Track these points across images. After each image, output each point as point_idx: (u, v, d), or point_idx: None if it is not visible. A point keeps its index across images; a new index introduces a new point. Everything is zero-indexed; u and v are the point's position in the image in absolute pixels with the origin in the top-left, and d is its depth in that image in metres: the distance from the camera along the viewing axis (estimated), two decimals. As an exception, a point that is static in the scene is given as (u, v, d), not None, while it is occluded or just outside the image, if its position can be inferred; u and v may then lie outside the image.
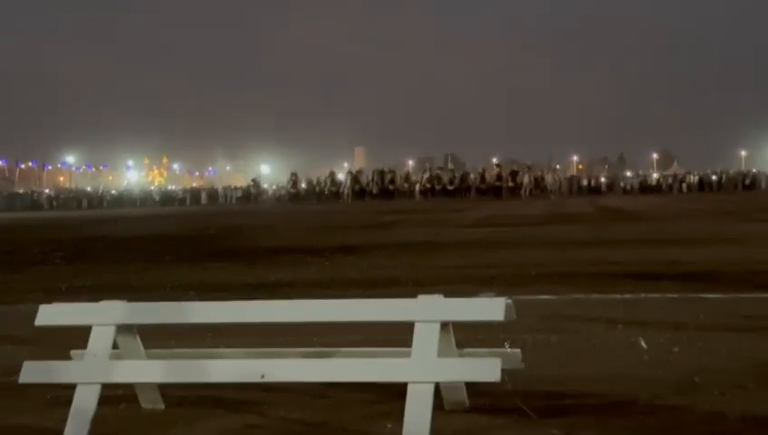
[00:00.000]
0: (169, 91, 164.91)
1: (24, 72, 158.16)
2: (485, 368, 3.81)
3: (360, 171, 74.69)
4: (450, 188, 67.54)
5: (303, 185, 74.00)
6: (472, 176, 70.42)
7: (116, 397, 4.64)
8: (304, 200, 68.24)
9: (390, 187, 69.41)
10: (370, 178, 71.24)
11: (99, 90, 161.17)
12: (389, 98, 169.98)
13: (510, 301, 4.00)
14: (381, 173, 71.86)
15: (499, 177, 66.35)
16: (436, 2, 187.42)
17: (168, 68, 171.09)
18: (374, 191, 68.78)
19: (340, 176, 74.30)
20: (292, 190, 72.34)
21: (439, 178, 69.69)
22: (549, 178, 66.54)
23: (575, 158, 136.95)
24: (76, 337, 4.85)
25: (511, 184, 64.93)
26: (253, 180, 78.75)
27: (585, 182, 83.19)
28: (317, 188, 71.84)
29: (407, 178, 73.42)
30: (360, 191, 68.35)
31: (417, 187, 69.35)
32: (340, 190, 68.66)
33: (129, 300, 6.03)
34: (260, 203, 69.47)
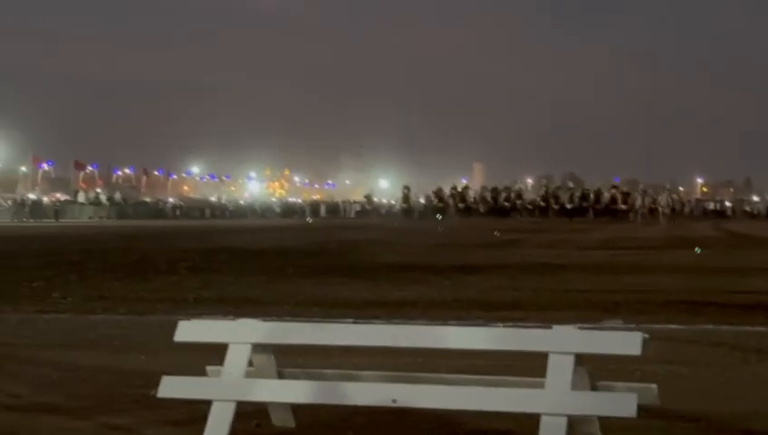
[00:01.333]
0: (293, 103, 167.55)
1: (153, 81, 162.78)
2: (621, 403, 3.75)
3: (466, 188, 72.89)
4: (568, 207, 65.85)
5: (422, 200, 72.15)
6: (591, 196, 68.19)
7: (247, 413, 4.71)
8: (415, 216, 67.07)
9: (506, 204, 68.24)
10: (479, 195, 69.84)
11: (232, 101, 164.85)
12: (511, 114, 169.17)
13: (647, 336, 3.92)
14: (494, 190, 70.80)
15: (614, 199, 64.16)
16: (566, 20, 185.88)
17: (293, 82, 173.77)
18: (480, 209, 67.72)
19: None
20: (403, 205, 70.76)
21: (557, 197, 67.97)
22: (663, 200, 63.78)
23: (700, 180, 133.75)
24: (204, 350, 4.96)
25: (625, 206, 62.77)
26: (366, 196, 77.51)
27: (710, 205, 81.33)
28: (432, 204, 70.19)
29: (518, 195, 71.59)
30: (465, 208, 67.29)
31: (532, 205, 68.23)
32: (447, 207, 67.54)
33: (254, 314, 6.13)
34: (373, 218, 68.84)
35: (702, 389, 5.66)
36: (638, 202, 62.50)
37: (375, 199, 79.72)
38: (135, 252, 20.88)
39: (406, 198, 70.77)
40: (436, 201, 69.49)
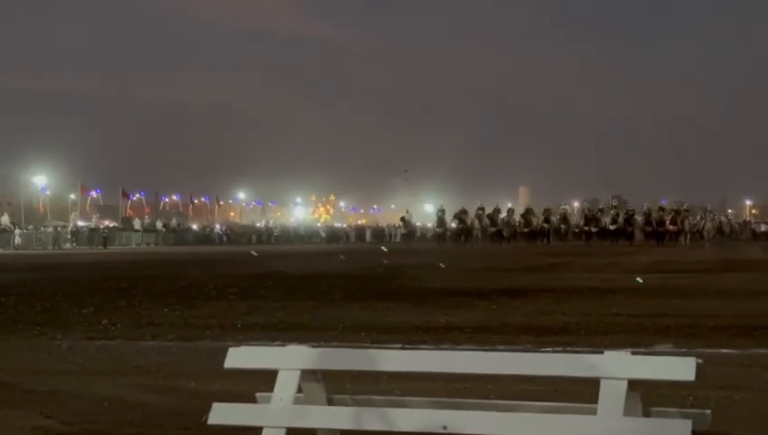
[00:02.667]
0: (340, 129, 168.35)
1: (197, 107, 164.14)
2: (675, 429, 3.70)
3: (496, 210, 68.76)
4: (612, 227, 63.38)
5: (454, 224, 68.13)
6: (638, 218, 65.81)
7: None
8: (450, 240, 62.88)
9: (545, 226, 65.95)
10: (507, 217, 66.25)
11: (278, 126, 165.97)
12: (557, 137, 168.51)
13: (701, 361, 3.87)
14: (528, 212, 67.92)
15: (661, 221, 61.57)
16: (607, 42, 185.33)
17: (341, 107, 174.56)
18: (504, 233, 64.19)
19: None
20: (438, 230, 66.02)
21: (597, 221, 65.27)
22: (707, 223, 61.55)
23: (749, 202, 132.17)
24: (254, 377, 4.97)
25: (674, 227, 60.08)
26: (402, 218, 74.93)
27: (761, 228, 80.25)
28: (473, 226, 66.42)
29: (564, 217, 69.15)
30: (497, 233, 64.26)
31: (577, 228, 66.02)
32: (473, 230, 63.98)
33: (303, 339, 6.13)
34: (411, 242, 66.76)
35: (755, 414, 5.58)
36: (687, 225, 60.28)
37: (412, 222, 76.45)
38: (183, 278, 21.02)
39: (441, 222, 66.33)
40: (456, 223, 64.67)
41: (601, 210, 68.48)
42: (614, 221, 63.00)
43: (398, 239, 79.44)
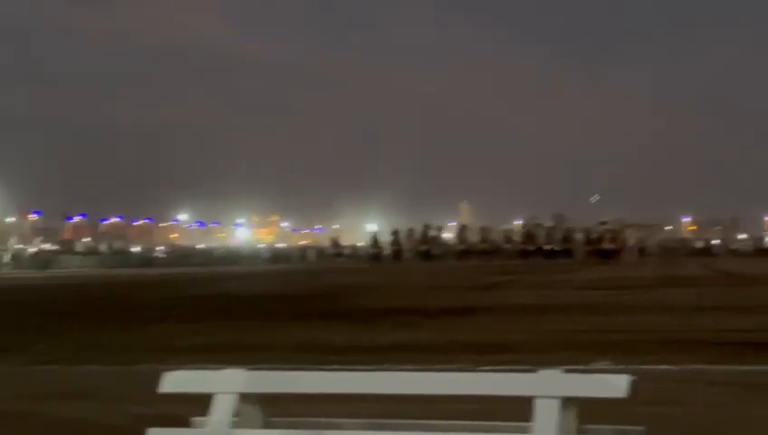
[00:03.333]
0: (282, 148, 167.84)
1: (136, 130, 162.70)
2: (610, 447, 3.72)
3: (426, 228, 68.14)
4: (548, 248, 63.55)
5: (386, 244, 67.20)
6: (577, 236, 65.90)
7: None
8: (385, 259, 63.73)
9: (484, 245, 65.63)
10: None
11: (213, 148, 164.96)
12: (499, 154, 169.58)
13: (634, 378, 3.90)
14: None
15: (601, 238, 61.83)
16: (548, 59, 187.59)
17: (283, 126, 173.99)
18: (434, 252, 64.06)
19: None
20: (372, 250, 67.55)
21: (533, 237, 65.25)
22: (632, 238, 61.96)
23: (686, 219, 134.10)
24: (194, 400, 4.92)
25: (613, 245, 60.38)
26: (332, 240, 74.73)
27: (698, 244, 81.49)
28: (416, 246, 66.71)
29: (507, 237, 68.75)
30: (426, 252, 63.82)
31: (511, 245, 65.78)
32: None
33: (245, 360, 6.08)
34: (340, 263, 66.14)
35: (695, 430, 5.63)
36: (632, 241, 60.76)
37: (341, 244, 76.27)
38: (125, 301, 20.79)
39: (375, 241, 67.55)
40: (389, 243, 65.74)
41: (539, 228, 68.19)
42: (552, 240, 63.05)
43: (342, 259, 79.42)
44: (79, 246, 75.46)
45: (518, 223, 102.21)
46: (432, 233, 66.25)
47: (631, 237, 61.03)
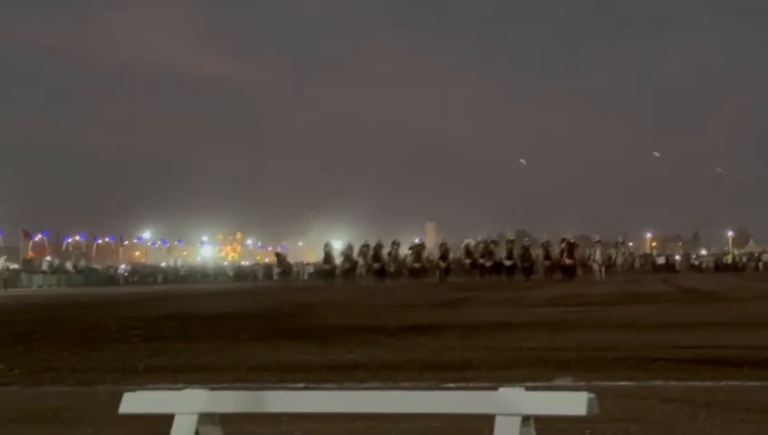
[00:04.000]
0: (245, 168, 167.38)
1: (98, 147, 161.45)
2: (568, 464, 3.77)
3: (379, 245, 64.31)
4: (508, 263, 61.43)
5: (339, 261, 63.03)
6: (535, 253, 64.14)
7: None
8: (338, 277, 60.19)
9: (441, 263, 63.25)
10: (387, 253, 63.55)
11: (175, 166, 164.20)
12: (464, 173, 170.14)
13: (593, 396, 3.95)
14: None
15: (562, 252, 59.79)
16: (508, 78, 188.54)
17: (246, 143, 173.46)
18: (391, 269, 61.51)
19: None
20: (325, 266, 62.94)
21: (491, 254, 62.69)
22: (597, 254, 60.08)
23: (648, 235, 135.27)
24: (154, 420, 4.90)
25: (569, 261, 58.23)
26: (277, 254, 72.08)
27: (660, 260, 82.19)
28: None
29: (467, 252, 65.80)
30: (380, 270, 60.34)
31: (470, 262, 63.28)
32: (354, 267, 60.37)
33: (206, 381, 6.08)
34: (292, 282, 64.42)
35: (650, 446, 5.70)
36: (598, 256, 58.57)
37: (287, 261, 73.63)
38: (84, 321, 20.63)
39: (328, 258, 63.13)
40: (342, 260, 62.21)
41: (495, 243, 65.59)
42: (509, 256, 61.29)
43: (305, 277, 79.29)
44: (46, 265, 74.67)
45: (470, 241, 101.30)
46: (387, 249, 64.56)
47: (593, 253, 59.77)
